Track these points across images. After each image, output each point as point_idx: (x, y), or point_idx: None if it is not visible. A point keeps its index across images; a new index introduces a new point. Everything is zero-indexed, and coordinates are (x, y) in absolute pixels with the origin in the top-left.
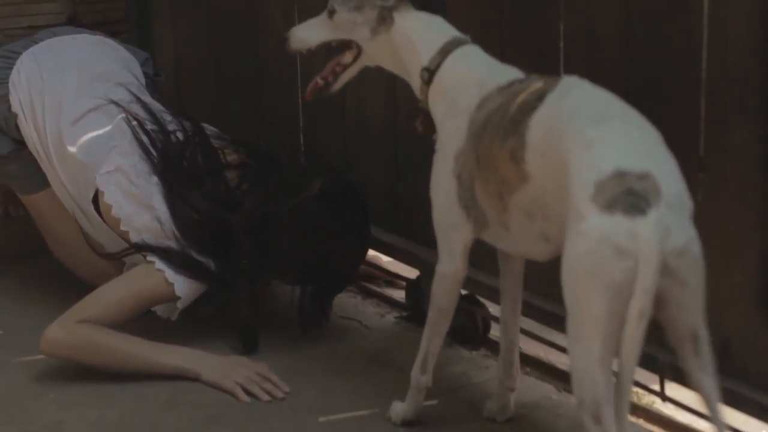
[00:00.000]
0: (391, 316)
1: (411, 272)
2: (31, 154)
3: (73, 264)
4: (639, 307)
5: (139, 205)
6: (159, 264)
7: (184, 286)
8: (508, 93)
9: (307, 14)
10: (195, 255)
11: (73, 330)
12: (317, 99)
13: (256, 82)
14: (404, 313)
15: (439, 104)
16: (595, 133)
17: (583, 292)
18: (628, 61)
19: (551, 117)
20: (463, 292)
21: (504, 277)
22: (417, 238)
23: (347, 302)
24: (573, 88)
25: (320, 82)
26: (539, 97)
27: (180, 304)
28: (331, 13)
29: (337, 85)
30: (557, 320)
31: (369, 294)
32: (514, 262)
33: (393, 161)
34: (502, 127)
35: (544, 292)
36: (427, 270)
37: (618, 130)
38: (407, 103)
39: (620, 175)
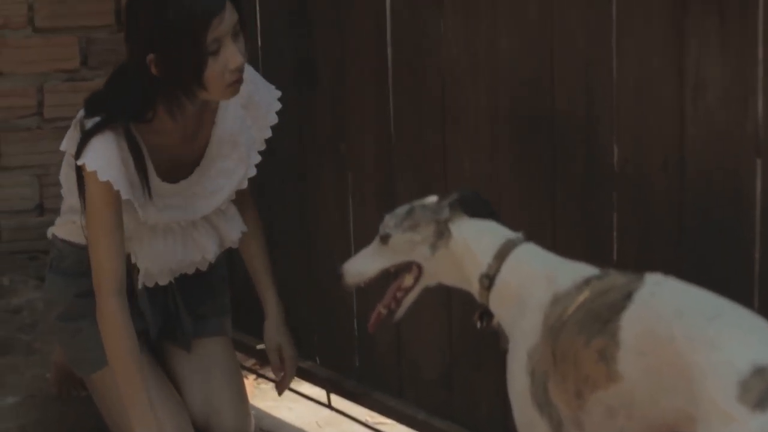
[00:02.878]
0: None
1: None
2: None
3: None
4: None
5: None
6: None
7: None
8: (589, 290)
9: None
10: None
11: (102, 320)
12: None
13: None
14: None
15: (505, 307)
16: (715, 332)
17: None
18: (680, 252)
19: (647, 317)
20: None
21: None
22: (470, 426)
23: None
24: (663, 286)
25: (383, 311)
26: (626, 296)
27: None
28: (385, 239)
29: (401, 312)
30: None
31: None
32: None
33: (447, 347)
34: (587, 325)
35: None
36: None
37: (736, 325)
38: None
39: (760, 371)
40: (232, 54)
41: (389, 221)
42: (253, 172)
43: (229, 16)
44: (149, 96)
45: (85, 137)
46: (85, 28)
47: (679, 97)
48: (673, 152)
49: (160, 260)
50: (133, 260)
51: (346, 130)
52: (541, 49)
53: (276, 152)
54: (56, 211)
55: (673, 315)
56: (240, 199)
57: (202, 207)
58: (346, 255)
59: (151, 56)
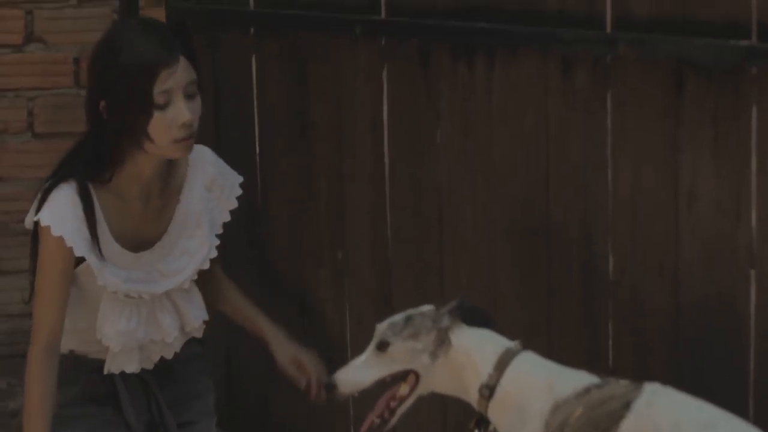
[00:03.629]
0: None
1: None
2: None
3: None
4: None
5: None
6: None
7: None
8: (588, 399)
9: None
10: None
11: (30, 369)
12: None
13: None
14: None
15: (504, 416)
16: None
17: None
18: (676, 360)
19: (645, 427)
20: None
21: None
22: None
23: None
24: (660, 396)
25: (376, 420)
26: (625, 405)
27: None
28: (384, 347)
29: (394, 420)
30: None
31: None
32: None
33: None
34: None
35: None
36: None
37: None
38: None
39: None
40: (180, 109)
41: (387, 329)
42: (214, 253)
43: (182, 73)
44: (105, 151)
45: (44, 194)
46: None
47: (674, 208)
48: (668, 262)
49: (123, 337)
50: (98, 336)
51: (344, 237)
52: (537, 159)
53: (274, 261)
54: None
55: (670, 425)
56: (210, 279)
57: (164, 284)
58: (343, 362)
59: (102, 103)
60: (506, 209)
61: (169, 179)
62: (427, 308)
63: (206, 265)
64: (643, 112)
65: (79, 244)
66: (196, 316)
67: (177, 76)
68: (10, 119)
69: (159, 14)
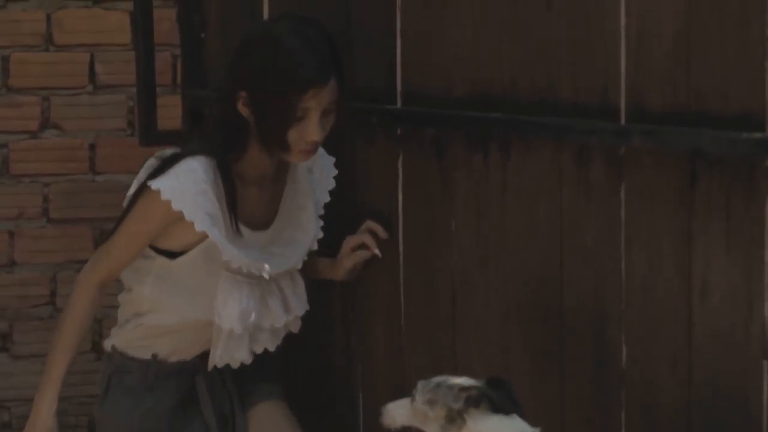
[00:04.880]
0: None
1: None
2: None
3: None
4: None
5: None
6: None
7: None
8: None
9: None
10: None
11: (76, 291)
12: None
13: None
14: None
15: None
16: None
17: None
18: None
19: None
20: None
21: None
22: None
23: None
24: None
25: None
26: None
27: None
28: (412, 399)
29: None
30: None
31: None
32: None
33: None
34: None
35: None
36: None
37: None
38: None
39: None
40: (313, 128)
41: (420, 385)
42: (320, 234)
43: (328, 93)
44: (235, 137)
45: (164, 164)
46: (98, 220)
47: (687, 298)
48: (681, 353)
49: (243, 318)
50: (216, 321)
51: (357, 322)
52: (551, 249)
53: (288, 346)
54: None
55: None
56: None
57: (279, 262)
58: None
59: (243, 93)
60: (520, 298)
61: (282, 165)
62: (460, 380)
63: (315, 246)
64: (656, 203)
65: (201, 219)
66: (300, 304)
67: (322, 96)
68: (25, 205)
69: (175, 101)
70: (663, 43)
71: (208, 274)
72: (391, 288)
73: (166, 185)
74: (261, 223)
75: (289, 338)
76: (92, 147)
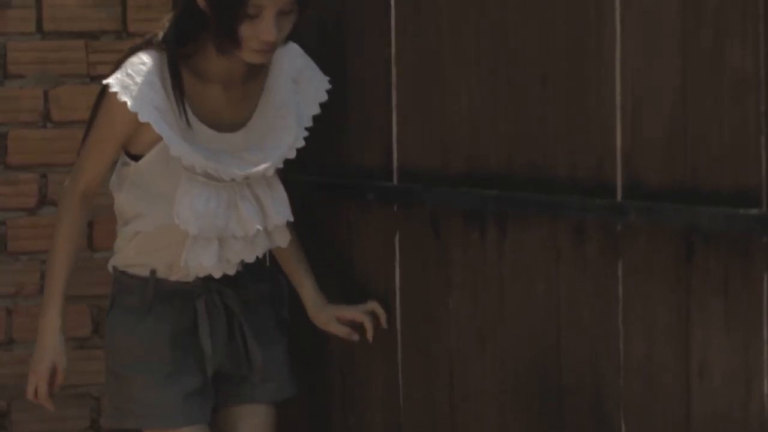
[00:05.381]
0: None
1: None
2: None
3: None
4: None
5: None
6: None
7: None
8: None
9: None
10: None
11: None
12: None
13: None
14: None
15: None
16: None
17: None
18: None
19: None
20: None
21: None
22: None
23: None
24: None
25: None
26: None
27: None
28: None
29: None
30: None
31: None
32: None
33: None
34: None
35: None
36: None
37: None
38: None
39: None
40: (266, 27)
41: None
42: (301, 143)
43: None
44: (191, 31)
45: (120, 60)
46: (96, 297)
47: (685, 376)
48: (680, 431)
49: (201, 220)
50: (175, 220)
51: (355, 402)
52: (548, 326)
53: (286, 425)
54: None
55: None
56: None
57: (246, 167)
58: None
59: None
60: (517, 375)
61: (252, 68)
62: None
63: (292, 155)
64: (653, 280)
65: (146, 110)
66: (280, 212)
67: None
68: (23, 282)
69: None
70: (659, 119)
71: (170, 176)
72: (389, 367)
73: (115, 79)
74: (231, 126)
75: (289, 417)
76: (90, 224)
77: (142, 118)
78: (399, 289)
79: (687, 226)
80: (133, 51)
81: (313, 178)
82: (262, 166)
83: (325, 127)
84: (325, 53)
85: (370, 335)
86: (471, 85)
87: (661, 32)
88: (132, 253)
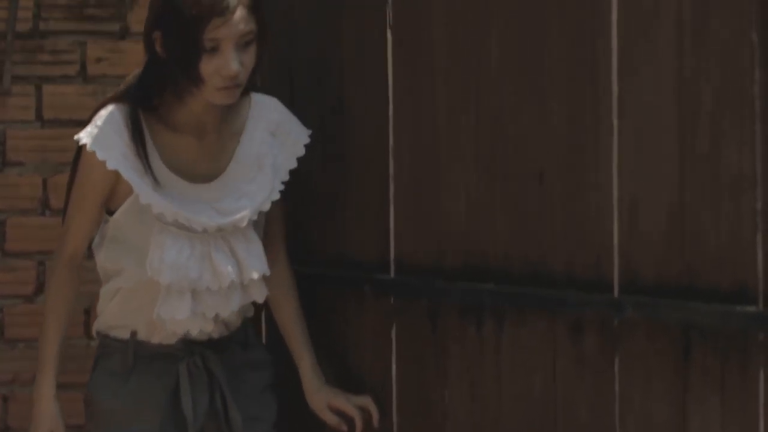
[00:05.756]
0: None
1: None
2: None
3: None
4: None
5: None
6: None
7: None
8: None
9: None
10: None
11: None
12: None
13: None
14: None
15: None
16: None
17: None
18: None
19: None
20: None
21: None
22: None
23: None
24: None
25: None
26: None
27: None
28: None
29: None
30: None
31: None
32: None
33: None
34: None
35: None
36: None
37: None
38: None
39: None
40: (226, 60)
41: None
42: (276, 196)
43: (238, 23)
44: (156, 78)
45: (92, 114)
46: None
47: None
48: None
49: (172, 271)
50: (149, 273)
51: None
52: (545, 421)
53: None
54: None
55: None
56: (271, 249)
57: (219, 219)
58: None
59: (157, 33)
60: None
61: (228, 119)
62: None
63: (266, 207)
64: (650, 376)
65: (114, 158)
66: (255, 266)
67: (229, 26)
68: (20, 370)
69: None
70: (656, 216)
71: (144, 227)
72: None
73: (85, 132)
74: (206, 177)
75: None
76: (87, 312)
77: (110, 165)
78: (395, 382)
79: (684, 322)
80: (102, 105)
81: (311, 270)
82: (235, 217)
83: (322, 219)
84: (323, 142)
85: (359, 431)
86: (468, 180)
87: (658, 130)
88: (113, 312)
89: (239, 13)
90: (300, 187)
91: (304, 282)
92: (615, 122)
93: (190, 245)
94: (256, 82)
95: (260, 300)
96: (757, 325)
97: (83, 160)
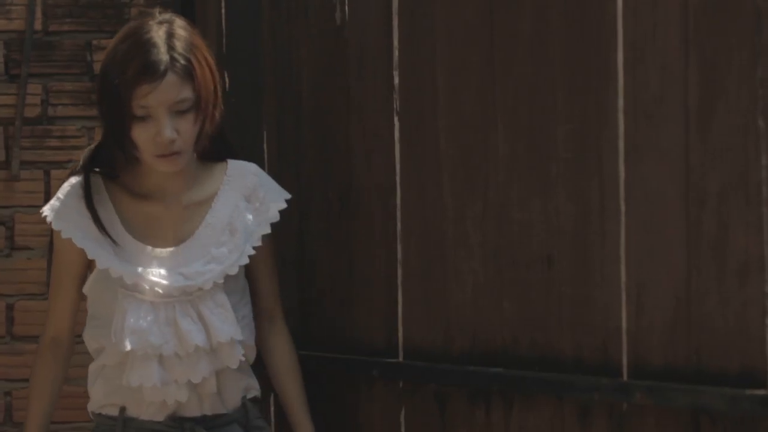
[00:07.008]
0: None
1: None
2: None
3: None
4: None
5: None
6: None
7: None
8: None
9: None
10: None
11: (34, 360)
12: None
13: None
14: None
15: None
16: None
17: None
18: None
19: None
20: None
21: None
22: None
23: None
24: None
25: None
26: None
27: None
28: None
29: None
30: None
31: None
32: None
33: None
34: None
35: None
36: None
37: None
38: None
39: None
40: (159, 128)
41: None
42: (245, 260)
43: (169, 90)
44: (110, 149)
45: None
46: None
47: None
48: None
49: (134, 337)
50: (113, 339)
51: None
52: None
53: None
54: None
55: None
56: (264, 308)
57: (183, 281)
58: None
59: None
60: None
61: (200, 184)
62: None
63: (233, 271)
64: None
65: (70, 228)
66: (224, 330)
67: (158, 93)
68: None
69: None
70: (663, 300)
71: (110, 296)
72: None
73: (49, 205)
74: (175, 241)
75: None
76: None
77: (64, 235)
78: None
79: (692, 406)
80: (67, 177)
81: (318, 354)
82: (199, 280)
83: (329, 304)
84: (330, 230)
85: None
86: (475, 264)
87: (665, 214)
88: (101, 390)
89: (169, 78)
90: (307, 270)
91: (312, 365)
92: (622, 206)
93: (153, 311)
94: (232, 149)
95: (234, 366)
96: (765, 408)
97: (54, 240)
